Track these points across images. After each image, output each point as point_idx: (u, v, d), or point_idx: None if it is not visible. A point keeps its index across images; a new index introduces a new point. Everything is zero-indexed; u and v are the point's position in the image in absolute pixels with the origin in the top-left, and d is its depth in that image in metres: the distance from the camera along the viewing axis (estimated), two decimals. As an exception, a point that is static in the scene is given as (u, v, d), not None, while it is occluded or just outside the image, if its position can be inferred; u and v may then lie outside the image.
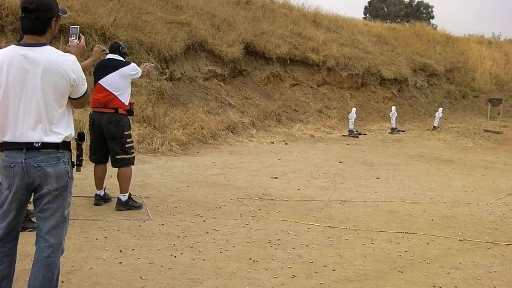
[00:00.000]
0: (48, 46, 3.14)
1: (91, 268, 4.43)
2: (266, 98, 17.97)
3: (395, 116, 19.18)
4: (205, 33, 16.52)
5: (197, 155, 11.34)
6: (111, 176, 7.07)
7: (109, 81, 6.28)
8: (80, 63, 3.31)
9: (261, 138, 14.60)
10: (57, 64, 3.12)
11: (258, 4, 21.28)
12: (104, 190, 6.65)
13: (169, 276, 4.36)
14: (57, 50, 3.19)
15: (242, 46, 17.72)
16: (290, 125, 16.97)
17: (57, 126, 3.17)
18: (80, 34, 3.58)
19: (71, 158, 3.29)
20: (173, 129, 12.04)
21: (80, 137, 3.42)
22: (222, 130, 13.86)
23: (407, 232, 6.22)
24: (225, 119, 14.39)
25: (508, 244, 5.97)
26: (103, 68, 6.35)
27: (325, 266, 4.89)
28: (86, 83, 3.32)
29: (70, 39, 3.56)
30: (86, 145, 6.36)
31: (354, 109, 18.09)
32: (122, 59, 6.46)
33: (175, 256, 4.87)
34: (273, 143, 14.26)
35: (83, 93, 3.30)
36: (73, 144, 3.34)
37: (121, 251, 4.91)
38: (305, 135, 16.20)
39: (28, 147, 3.11)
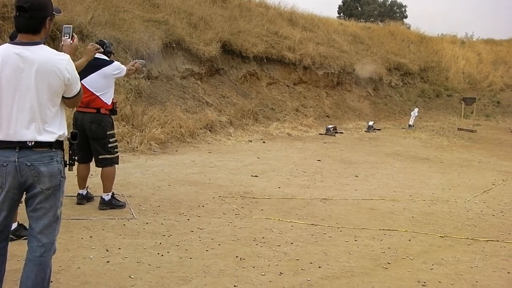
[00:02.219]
0: (42, 45, 3.14)
1: (78, 268, 4.42)
2: (243, 97, 18.00)
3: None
4: (182, 32, 16.49)
5: (176, 154, 11.32)
6: (91, 175, 7.03)
7: (90, 81, 6.21)
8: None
9: (239, 137, 14.61)
10: (51, 63, 3.11)
11: (235, 3, 21.28)
12: (86, 189, 6.62)
13: (158, 275, 4.38)
14: (52, 49, 3.18)
15: (219, 44, 17.72)
16: (267, 124, 17.03)
17: (50, 125, 3.16)
18: (73, 34, 3.58)
19: (63, 157, 3.29)
20: (152, 128, 11.99)
21: (73, 136, 3.42)
22: (200, 128, 13.85)
23: (389, 229, 6.31)
24: (203, 118, 14.38)
25: (487, 240, 6.10)
26: (86, 68, 6.27)
27: (311, 263, 4.95)
28: (79, 83, 3.32)
29: (63, 38, 3.55)
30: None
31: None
32: (106, 58, 6.40)
33: (162, 255, 4.88)
34: (251, 141, 14.29)
35: (77, 92, 3.29)
36: (65, 143, 3.34)
37: (107, 250, 4.90)
38: (282, 134, 16.26)
39: (21, 146, 3.09)
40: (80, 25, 12.70)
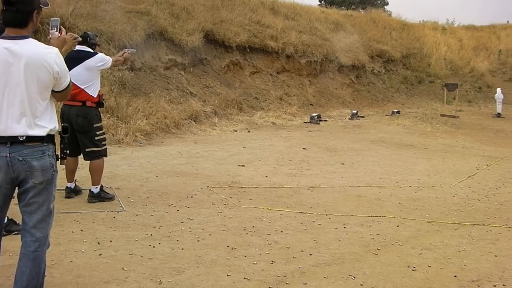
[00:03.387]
0: (30, 39, 3.11)
1: (71, 261, 4.41)
2: (226, 87, 17.99)
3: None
4: (165, 22, 16.42)
5: (161, 145, 11.30)
6: (78, 168, 7.00)
7: (74, 74, 6.08)
8: None
9: (224, 127, 14.62)
10: (40, 56, 3.09)
11: (217, -8, 21.20)
12: (74, 182, 6.59)
13: (151, 266, 4.39)
14: (40, 42, 3.16)
15: (202, 34, 17.70)
16: (251, 113, 17.05)
17: (41, 119, 3.14)
18: (61, 27, 3.56)
19: (55, 151, 3.27)
20: (137, 119, 11.96)
21: (64, 130, 3.40)
22: (185, 119, 13.84)
23: (377, 216, 6.38)
24: (187, 108, 14.36)
25: (474, 225, 6.20)
26: (70, 61, 6.18)
27: (302, 251, 4.99)
28: (68, 76, 3.30)
29: (50, 31, 3.53)
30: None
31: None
32: (90, 50, 6.34)
33: (153, 246, 4.89)
34: (236, 131, 14.31)
35: (66, 85, 3.28)
36: (56, 137, 3.33)
37: (99, 243, 4.90)
38: (266, 123, 16.29)
39: (12, 141, 3.07)
40: (62, 17, 12.53)
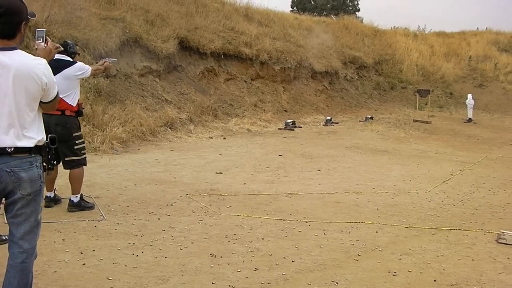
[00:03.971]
0: (18, 50, 3.11)
1: (55, 272, 4.40)
2: (201, 93, 18.00)
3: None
4: (140, 29, 16.39)
5: (138, 153, 11.27)
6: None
7: None
8: None
9: (200, 134, 14.64)
10: (28, 68, 3.10)
11: (191, -1, 21.24)
12: (54, 191, 6.56)
13: (135, 275, 4.40)
14: (28, 54, 3.17)
15: (177, 41, 17.70)
16: (226, 120, 17.10)
17: (29, 130, 3.15)
18: (47, 37, 3.56)
19: (42, 162, 3.28)
20: (113, 127, 11.91)
21: (52, 141, 3.41)
22: (161, 126, 13.83)
23: (355, 222, 6.47)
24: (163, 115, 14.36)
25: (450, 229, 6.32)
26: (50, 70, 6.21)
27: (284, 258, 5.04)
28: (56, 87, 3.32)
29: (36, 42, 3.53)
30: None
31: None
32: (69, 59, 6.32)
33: (137, 255, 4.89)
34: (211, 138, 14.33)
35: (54, 96, 3.30)
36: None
37: (82, 253, 4.89)
38: (242, 130, 16.35)
39: (0, 152, 3.07)
40: (37, 24, 12.45)
